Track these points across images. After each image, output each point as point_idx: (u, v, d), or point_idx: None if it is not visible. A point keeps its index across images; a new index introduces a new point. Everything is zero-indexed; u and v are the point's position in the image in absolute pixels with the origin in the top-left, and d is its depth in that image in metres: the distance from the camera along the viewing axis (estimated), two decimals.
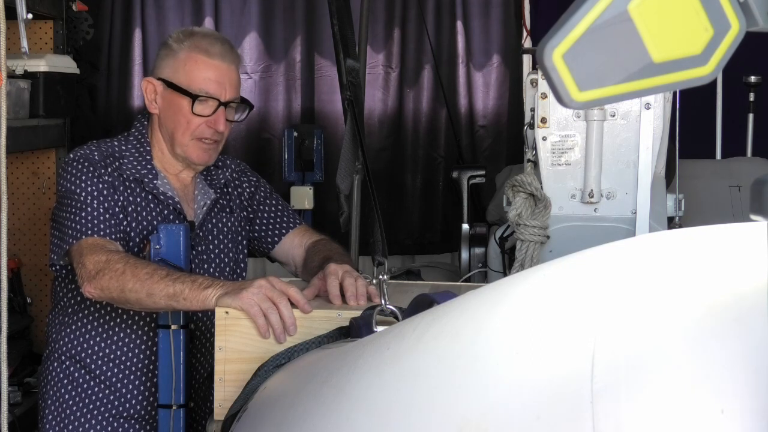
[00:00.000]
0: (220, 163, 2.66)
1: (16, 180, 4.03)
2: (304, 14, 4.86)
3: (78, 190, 2.43)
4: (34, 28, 4.03)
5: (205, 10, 4.79)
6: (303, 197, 4.36)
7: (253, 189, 2.73)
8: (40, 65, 3.68)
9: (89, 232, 2.38)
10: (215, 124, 2.49)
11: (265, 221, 2.73)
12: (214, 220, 2.62)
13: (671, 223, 2.68)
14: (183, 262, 2.26)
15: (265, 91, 4.86)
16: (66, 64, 3.93)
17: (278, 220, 2.73)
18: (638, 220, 2.57)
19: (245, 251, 2.72)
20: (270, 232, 2.73)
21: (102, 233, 2.39)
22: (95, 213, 2.40)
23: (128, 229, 2.48)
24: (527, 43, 4.74)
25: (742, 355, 0.93)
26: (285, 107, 4.88)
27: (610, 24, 0.92)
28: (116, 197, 2.46)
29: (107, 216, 2.41)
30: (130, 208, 2.49)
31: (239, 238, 2.68)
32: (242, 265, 2.71)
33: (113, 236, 2.41)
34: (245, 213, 2.71)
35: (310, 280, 2.34)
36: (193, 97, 2.47)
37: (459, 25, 4.84)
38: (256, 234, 2.73)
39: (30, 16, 3.24)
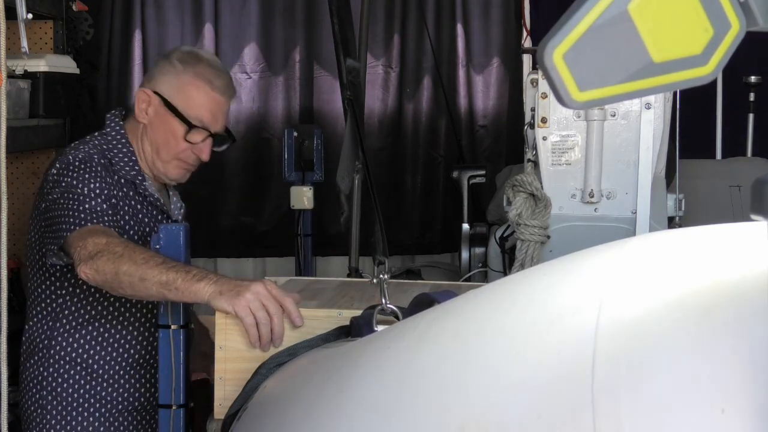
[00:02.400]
0: None
1: (16, 180, 4.03)
2: (303, 15, 4.86)
3: (80, 186, 2.39)
4: (34, 28, 4.02)
5: (205, 9, 4.79)
6: (303, 197, 4.35)
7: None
8: (40, 65, 3.68)
9: (94, 220, 2.33)
10: (200, 153, 2.54)
11: None
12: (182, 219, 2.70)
13: (671, 223, 2.68)
14: (183, 262, 2.27)
15: (265, 91, 4.86)
16: (66, 64, 3.93)
17: None
18: (638, 220, 2.57)
19: None
20: None
21: (105, 224, 2.35)
22: (98, 208, 2.36)
23: (128, 228, 2.49)
24: (527, 43, 4.75)
25: (743, 355, 0.93)
26: (284, 107, 4.88)
27: (610, 24, 0.92)
28: (116, 201, 2.45)
29: (111, 212, 2.39)
30: (129, 210, 2.49)
31: None
32: None
33: (115, 229, 2.38)
34: None
35: None
36: (190, 127, 2.50)
37: (459, 25, 4.84)
38: None
39: (30, 16, 3.24)
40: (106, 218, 2.35)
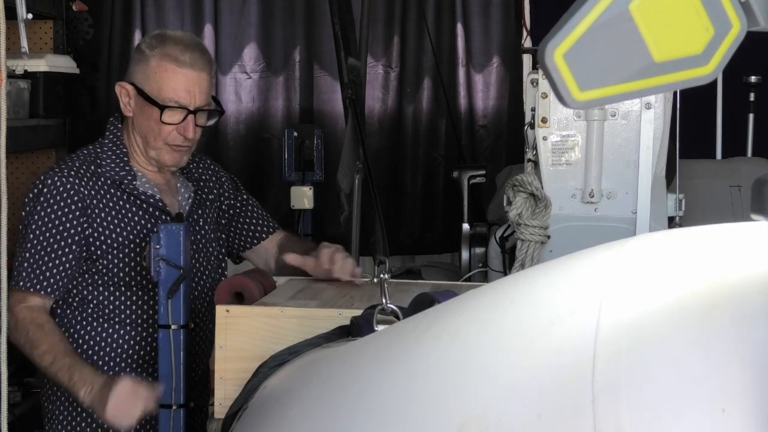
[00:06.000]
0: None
1: (16, 180, 4.03)
2: (303, 15, 4.86)
3: (34, 227, 2.50)
4: (34, 28, 4.02)
5: (205, 9, 4.79)
6: (303, 197, 4.36)
7: (233, 184, 2.82)
8: (40, 65, 3.68)
9: (23, 284, 2.48)
10: (185, 132, 2.55)
11: (246, 221, 2.80)
12: (199, 211, 2.69)
13: (671, 223, 2.68)
14: (183, 262, 2.27)
15: (265, 91, 4.86)
16: (66, 64, 3.93)
17: (259, 222, 2.82)
18: (639, 220, 2.57)
19: (224, 245, 2.78)
20: (249, 234, 2.81)
21: (33, 288, 2.47)
22: (34, 266, 2.49)
23: (115, 227, 2.51)
24: (527, 43, 4.75)
25: (743, 355, 0.93)
26: (284, 107, 4.88)
27: (611, 24, 0.92)
28: (82, 221, 2.50)
29: (50, 265, 2.48)
30: (111, 212, 2.51)
31: (218, 232, 2.75)
32: (223, 257, 2.78)
33: (48, 289, 2.48)
34: (223, 207, 2.77)
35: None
36: (162, 108, 2.53)
37: (459, 25, 4.84)
38: (233, 232, 2.80)
39: (30, 16, 3.25)
40: (35, 280, 2.48)
